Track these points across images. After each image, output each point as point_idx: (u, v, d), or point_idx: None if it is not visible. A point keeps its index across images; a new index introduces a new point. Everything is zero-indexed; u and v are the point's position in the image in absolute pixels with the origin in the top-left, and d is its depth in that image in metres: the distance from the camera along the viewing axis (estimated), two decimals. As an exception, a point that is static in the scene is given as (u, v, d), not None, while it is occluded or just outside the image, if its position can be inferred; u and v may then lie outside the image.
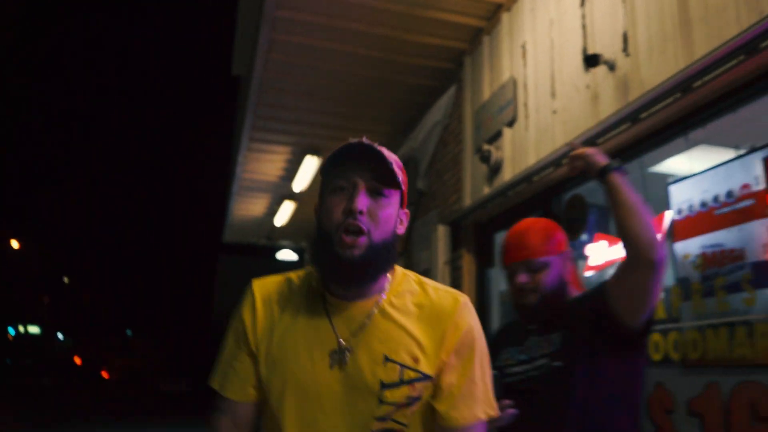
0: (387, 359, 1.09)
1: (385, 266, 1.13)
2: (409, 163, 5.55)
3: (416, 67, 4.96)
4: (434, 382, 1.11)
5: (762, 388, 2.17)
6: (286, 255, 10.74)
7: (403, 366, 1.09)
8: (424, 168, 5.35)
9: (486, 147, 4.15)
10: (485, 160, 4.13)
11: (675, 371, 2.57)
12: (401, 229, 1.17)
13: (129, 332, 40.72)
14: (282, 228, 9.40)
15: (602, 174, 1.60)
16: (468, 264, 4.49)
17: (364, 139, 1.14)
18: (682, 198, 2.62)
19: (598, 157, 1.66)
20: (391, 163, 1.11)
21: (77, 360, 34.68)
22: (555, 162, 3.37)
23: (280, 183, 7.69)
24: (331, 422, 1.08)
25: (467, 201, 4.47)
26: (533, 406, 1.56)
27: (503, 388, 1.57)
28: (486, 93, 4.36)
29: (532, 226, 1.72)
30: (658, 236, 2.79)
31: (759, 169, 2.26)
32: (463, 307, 1.15)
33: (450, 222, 4.76)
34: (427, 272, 4.98)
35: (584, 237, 3.35)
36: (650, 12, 2.73)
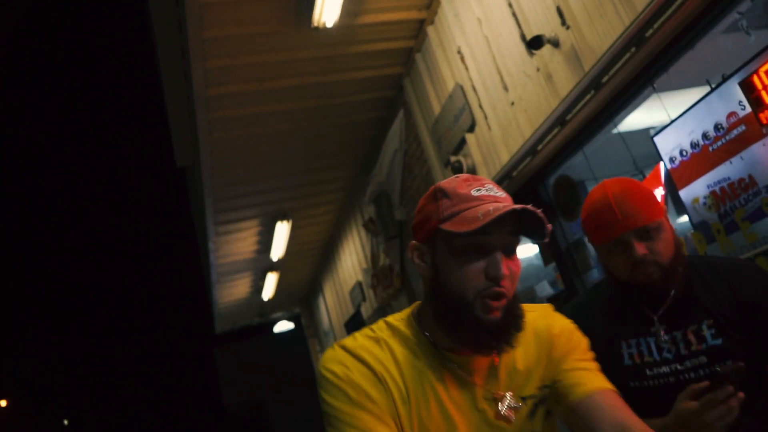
0: (522, 398, 1.09)
1: (521, 323, 1.07)
2: (381, 198, 5.47)
3: (358, 103, 4.92)
4: (553, 386, 1.12)
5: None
6: (282, 326, 10.47)
7: (533, 396, 1.10)
8: (397, 198, 5.28)
9: (454, 158, 4.10)
10: (458, 171, 4.07)
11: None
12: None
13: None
14: (271, 300, 9.18)
15: None
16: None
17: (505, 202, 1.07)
18: (671, 145, 2.59)
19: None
20: (544, 223, 1.05)
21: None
22: (529, 152, 3.33)
23: (258, 257, 7.51)
24: None
25: (452, 216, 4.39)
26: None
27: (640, 391, 1.33)
28: (436, 107, 4.33)
29: (630, 188, 1.39)
30: (658, 191, 2.76)
31: (739, 94, 2.24)
32: (553, 314, 1.19)
33: (441, 242, 4.66)
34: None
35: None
36: (577, -20, 2.74)
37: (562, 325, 1.16)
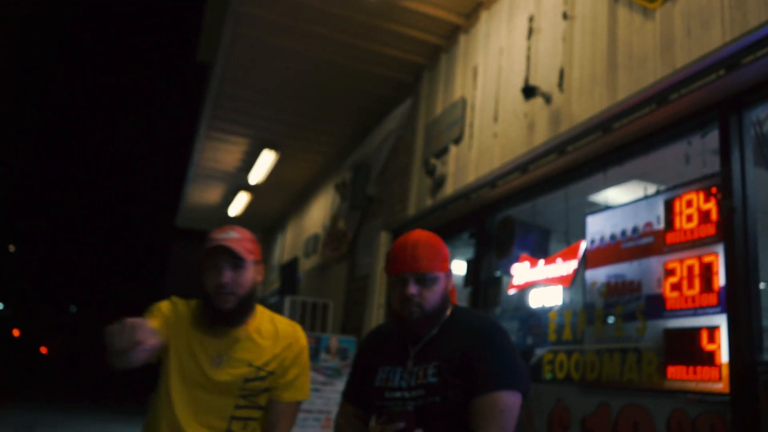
0: (249, 364, 1.77)
1: (249, 311, 1.79)
2: (360, 169, 5.67)
3: (376, 76, 5.08)
4: (276, 377, 1.80)
5: (644, 411, 2.36)
6: (237, 246, 10.70)
7: (257, 368, 1.78)
8: (375, 175, 5.48)
9: (433, 161, 4.30)
10: (430, 174, 4.28)
11: (574, 390, 2.75)
12: (258, 278, 1.80)
13: (73, 309, 39.70)
14: (235, 218, 9.41)
15: None
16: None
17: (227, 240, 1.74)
18: (596, 229, 2.81)
19: None
20: (241, 253, 1.72)
21: (16, 332, 33.66)
22: (490, 183, 3.54)
23: (236, 174, 7.72)
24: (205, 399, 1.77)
25: (411, 211, 4.62)
26: None
27: (379, 411, 1.62)
28: (439, 109, 4.51)
29: (425, 239, 1.68)
30: (572, 263, 2.98)
31: (661, 209, 2.45)
32: (295, 332, 1.87)
33: (393, 229, 4.89)
34: (366, 278, 5.11)
35: (510, 258, 3.52)
36: (585, 53, 2.92)
37: (295, 339, 1.84)
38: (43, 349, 30.11)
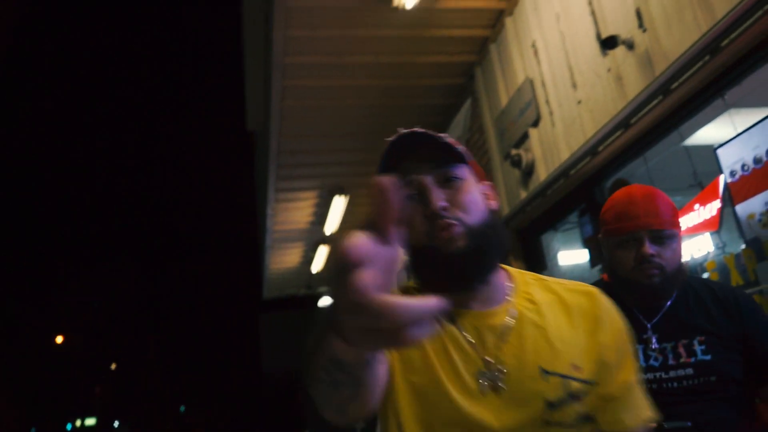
0: (545, 372, 0.91)
1: (498, 249, 0.96)
2: (437, 184, 5.54)
3: (428, 88, 5.00)
4: (597, 388, 0.94)
5: None
6: (327, 301, 10.69)
7: (565, 377, 0.91)
8: (453, 186, 5.33)
9: (514, 151, 4.13)
10: (516, 165, 4.10)
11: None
12: (494, 204, 1.01)
13: (182, 408, 40.68)
14: (319, 274, 9.41)
15: None
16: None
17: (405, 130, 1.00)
18: (733, 159, 2.56)
19: None
20: (445, 140, 0.97)
21: (137, 445, 34.63)
22: (590, 152, 3.34)
23: (312, 228, 7.72)
24: None
25: (505, 209, 4.43)
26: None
27: None
28: (503, 99, 4.36)
29: (658, 192, 1.48)
30: (715, 204, 2.72)
31: (809, 113, 2.20)
32: (605, 299, 1.02)
33: (491, 233, 4.70)
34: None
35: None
36: (660, -17, 2.72)
37: (613, 311, 1.01)
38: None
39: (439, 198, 0.94)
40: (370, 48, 4.37)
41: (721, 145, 2.63)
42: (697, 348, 1.36)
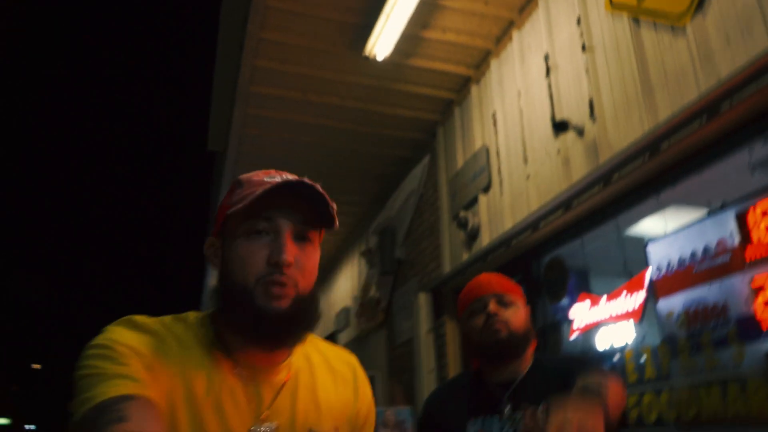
0: None
1: (312, 321, 0.97)
2: (386, 233, 5.56)
3: (390, 138, 5.06)
4: None
5: (758, 446, 2.14)
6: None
7: None
8: (401, 236, 5.37)
9: (463, 213, 4.19)
10: (462, 227, 4.17)
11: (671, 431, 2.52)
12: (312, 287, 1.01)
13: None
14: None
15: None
16: (451, 331, 4.44)
17: (289, 177, 1.00)
18: (661, 256, 2.66)
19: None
20: (324, 199, 0.97)
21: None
22: (531, 225, 3.42)
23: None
24: None
25: (447, 267, 4.47)
26: None
27: None
28: (459, 161, 4.45)
29: (501, 275, 1.70)
30: (640, 295, 2.81)
31: (732, 224, 2.31)
32: (362, 370, 1.12)
33: (431, 289, 4.73)
34: (410, 342, 4.91)
35: (565, 301, 3.35)
36: (612, 80, 2.86)
37: (366, 387, 1.11)
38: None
39: (290, 252, 0.93)
40: (337, 91, 4.42)
41: (650, 241, 2.73)
42: (542, 415, 1.45)
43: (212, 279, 1.06)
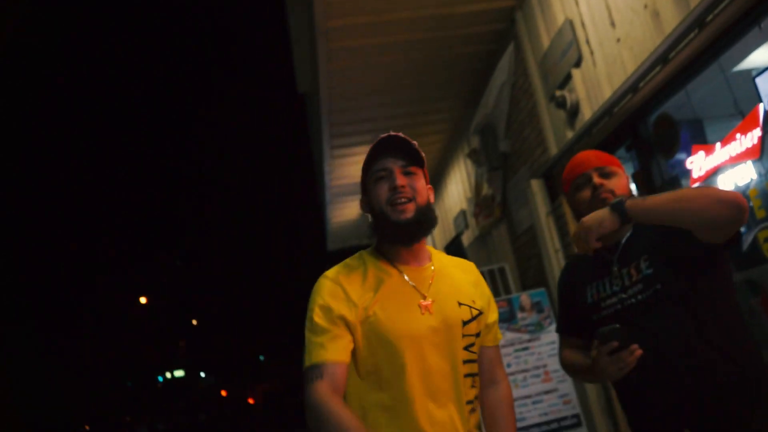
0: (459, 303, 1.49)
1: (432, 223, 1.50)
2: (487, 130, 5.64)
3: (470, 36, 5.05)
4: (483, 317, 1.55)
5: None
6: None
7: (470, 306, 1.51)
8: (502, 130, 5.43)
9: (559, 93, 4.19)
10: (561, 106, 4.17)
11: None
12: (432, 198, 1.55)
13: (261, 358, 42.94)
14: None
15: (622, 217, 1.51)
16: (569, 210, 4.54)
17: (389, 133, 1.53)
18: (771, 87, 2.60)
19: (603, 216, 1.53)
20: (413, 147, 1.50)
21: (224, 393, 37.04)
22: (632, 88, 3.39)
23: (368, 182, 7.96)
24: (434, 358, 1.41)
25: (553, 150, 4.52)
26: (646, 332, 1.54)
27: (599, 322, 1.64)
28: (545, 42, 4.39)
29: (597, 150, 1.85)
30: (756, 132, 2.77)
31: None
32: (478, 271, 1.66)
33: (542, 174, 4.82)
34: (531, 229, 5.07)
35: (680, 155, 3.34)
36: None
37: (483, 282, 1.64)
38: (251, 400, 32.74)
39: (401, 180, 1.48)
40: (408, 3, 4.46)
41: (759, 73, 2.66)
42: (643, 265, 1.61)
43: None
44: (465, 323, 1.46)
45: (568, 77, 4.10)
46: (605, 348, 1.48)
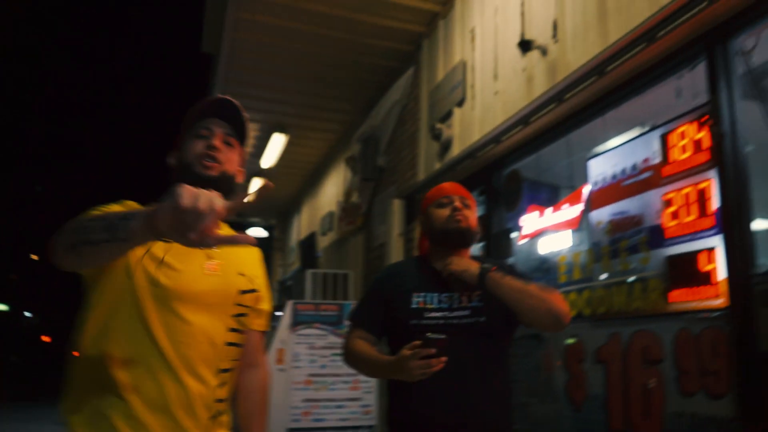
0: (240, 273, 1.45)
1: (231, 191, 1.43)
2: (369, 141, 5.80)
3: (377, 49, 5.19)
4: (258, 297, 1.51)
5: (652, 335, 2.50)
6: (256, 232, 10.93)
7: (248, 278, 1.47)
8: (383, 146, 5.61)
9: (438, 125, 4.42)
10: (437, 138, 4.41)
11: (586, 325, 2.89)
12: (240, 178, 1.49)
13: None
14: (251, 204, 9.58)
15: (481, 279, 1.75)
16: (420, 227, 4.77)
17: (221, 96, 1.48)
18: (598, 171, 2.93)
19: (471, 268, 1.78)
20: (243, 118, 1.47)
21: (46, 338, 34.44)
22: (495, 139, 3.66)
23: (249, 160, 7.87)
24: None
25: (421, 176, 4.75)
26: (453, 352, 1.65)
27: (414, 329, 1.76)
28: (440, 74, 4.62)
29: (459, 184, 2.06)
30: (578, 207, 3.10)
31: (656, 144, 2.56)
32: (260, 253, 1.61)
33: (405, 196, 5.03)
34: (383, 245, 5.26)
35: (519, 211, 3.65)
36: (576, 2, 3.01)
37: (262, 268, 1.58)
38: (76, 354, 30.73)
39: (220, 145, 1.44)
40: (327, -1, 4.53)
41: (592, 157, 2.99)
42: (474, 298, 1.82)
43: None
44: (242, 292, 1.45)
45: (450, 113, 4.34)
46: (424, 351, 1.58)
